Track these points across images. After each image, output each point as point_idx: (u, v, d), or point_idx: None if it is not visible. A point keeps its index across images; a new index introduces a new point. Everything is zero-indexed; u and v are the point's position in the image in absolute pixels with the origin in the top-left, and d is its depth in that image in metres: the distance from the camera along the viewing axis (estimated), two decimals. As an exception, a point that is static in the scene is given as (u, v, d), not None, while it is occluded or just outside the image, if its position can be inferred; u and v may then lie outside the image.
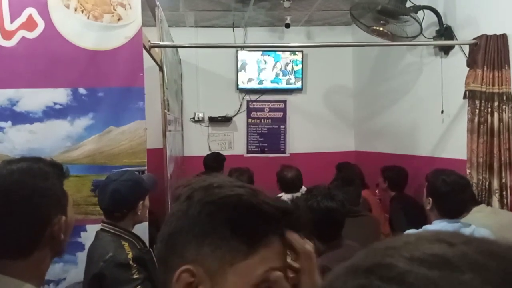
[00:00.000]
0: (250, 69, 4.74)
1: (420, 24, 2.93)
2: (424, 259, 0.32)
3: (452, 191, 1.86)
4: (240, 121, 4.89)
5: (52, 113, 2.15)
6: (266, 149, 4.92)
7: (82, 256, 1.97)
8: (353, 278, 0.33)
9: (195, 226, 0.60)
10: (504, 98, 2.41)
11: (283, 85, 4.82)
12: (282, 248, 0.63)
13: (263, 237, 0.60)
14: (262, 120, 4.93)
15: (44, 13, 2.12)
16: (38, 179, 0.97)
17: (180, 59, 4.52)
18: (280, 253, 0.62)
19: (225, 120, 4.79)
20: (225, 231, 0.59)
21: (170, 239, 0.62)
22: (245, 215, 0.60)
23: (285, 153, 4.93)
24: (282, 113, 4.94)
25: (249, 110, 4.89)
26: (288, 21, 4.30)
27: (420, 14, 3.01)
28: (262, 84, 4.78)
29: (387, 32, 3.00)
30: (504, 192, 2.39)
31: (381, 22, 2.97)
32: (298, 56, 4.77)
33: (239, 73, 4.72)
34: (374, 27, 3.00)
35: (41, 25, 2.12)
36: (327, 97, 4.98)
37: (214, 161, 3.94)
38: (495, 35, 2.46)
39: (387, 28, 2.97)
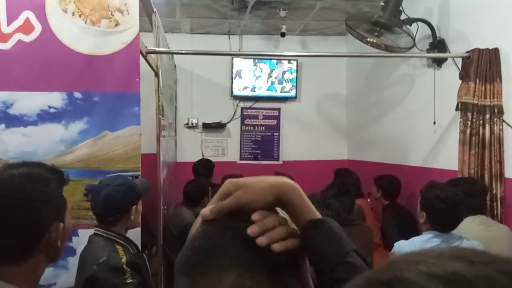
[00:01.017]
0: (245, 76, 4.76)
1: (413, 37, 2.97)
2: (443, 276, 0.31)
3: (446, 208, 1.86)
4: (234, 128, 4.90)
5: (46, 116, 2.14)
6: (259, 156, 4.93)
7: (73, 261, 1.95)
8: None
9: (241, 254, 0.58)
10: (496, 110, 2.45)
11: (277, 93, 4.85)
12: None
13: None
14: (256, 127, 4.95)
15: (42, 16, 2.12)
16: (39, 184, 0.97)
17: (175, 65, 4.53)
18: None
19: (219, 127, 4.80)
20: (265, 269, 0.57)
21: (208, 258, 0.59)
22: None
23: (278, 160, 4.95)
24: (276, 121, 4.97)
25: (243, 117, 4.90)
26: (283, 30, 4.34)
27: (414, 26, 3.06)
28: (256, 91, 4.81)
29: (380, 44, 3.05)
30: (495, 203, 2.42)
31: (375, 34, 3.01)
32: (293, 65, 4.80)
33: (234, 80, 4.73)
34: (368, 39, 3.04)
35: (38, 28, 2.12)
36: (321, 106, 5.01)
37: (204, 168, 3.94)
38: (487, 49, 2.51)
39: (381, 40, 3.02)
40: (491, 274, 0.30)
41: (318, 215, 0.68)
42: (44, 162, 1.08)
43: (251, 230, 0.59)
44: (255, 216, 0.61)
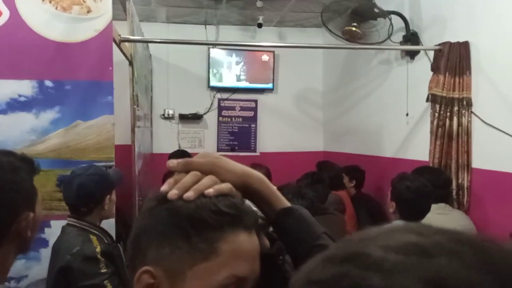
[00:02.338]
0: (221, 67, 4.74)
1: (388, 29, 3.02)
2: (400, 247, 0.32)
3: (415, 198, 1.92)
4: (211, 119, 4.88)
5: (16, 105, 2.09)
6: (236, 148, 4.93)
7: (45, 253, 1.92)
8: (329, 267, 0.33)
9: (156, 224, 0.58)
10: (464, 103, 2.52)
11: (254, 84, 4.85)
12: (248, 248, 0.59)
13: (219, 230, 0.57)
14: (233, 118, 4.94)
15: (9, 1, 2.06)
16: (8, 173, 0.95)
17: (150, 54, 4.47)
18: (244, 256, 0.59)
19: (196, 118, 4.77)
20: (186, 228, 0.57)
21: (136, 238, 0.61)
22: (202, 210, 0.58)
23: (256, 152, 4.96)
24: (253, 112, 4.97)
25: (220, 109, 4.88)
26: (260, 21, 4.33)
27: (387, 19, 3.11)
28: (233, 83, 4.79)
29: (358, 33, 3.07)
30: (461, 193, 2.51)
31: (353, 24, 3.05)
32: (270, 56, 4.81)
33: (211, 71, 4.71)
34: (346, 28, 3.06)
35: (5, 14, 2.06)
36: (298, 97, 5.04)
37: (180, 159, 3.90)
38: (458, 42, 2.57)
39: (359, 28, 3.05)
40: (443, 242, 0.32)
41: (287, 203, 0.69)
42: (21, 152, 1.06)
43: (169, 193, 0.59)
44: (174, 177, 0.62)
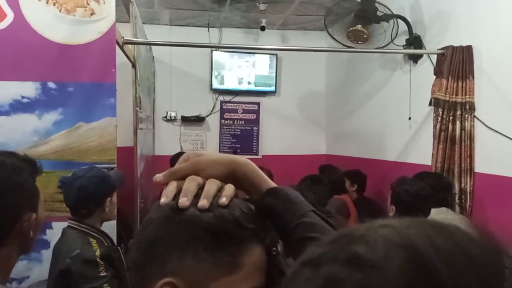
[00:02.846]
0: (224, 69, 4.74)
1: (392, 32, 3.02)
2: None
3: (414, 201, 1.94)
4: (213, 121, 4.88)
5: (19, 106, 2.10)
6: (238, 151, 4.92)
7: (47, 254, 1.92)
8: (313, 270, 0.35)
9: (176, 235, 0.57)
10: (467, 107, 2.51)
11: (257, 87, 4.85)
12: (263, 260, 0.61)
13: (241, 244, 0.58)
14: (235, 121, 4.94)
15: (14, 3, 2.07)
16: (11, 173, 0.95)
17: (153, 56, 4.48)
18: (261, 267, 0.60)
19: (198, 120, 4.77)
20: (208, 240, 0.56)
21: (150, 246, 0.59)
22: (224, 222, 0.57)
23: (258, 154, 4.96)
24: (255, 115, 4.97)
25: (222, 111, 4.89)
26: (263, 24, 4.34)
27: (390, 22, 3.11)
28: (236, 85, 4.80)
29: (364, 32, 3.05)
30: (463, 197, 2.50)
31: (358, 26, 3.04)
32: (273, 59, 4.81)
33: (213, 74, 4.71)
34: (352, 28, 3.05)
35: (10, 16, 2.07)
36: (300, 100, 5.04)
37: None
38: (461, 46, 2.57)
39: (366, 28, 3.04)
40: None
41: (273, 185, 0.68)
42: (23, 153, 1.06)
43: (179, 202, 0.58)
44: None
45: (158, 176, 0.65)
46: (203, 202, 0.58)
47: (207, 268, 0.56)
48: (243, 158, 0.69)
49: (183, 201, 0.58)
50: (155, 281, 0.57)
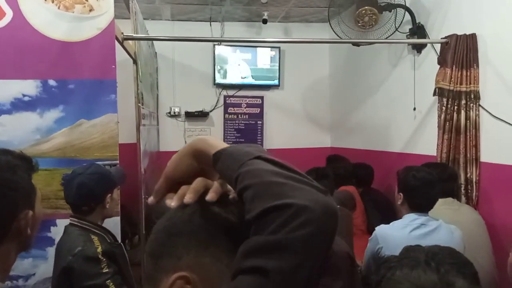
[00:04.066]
0: (227, 64, 4.73)
1: (394, 22, 2.98)
2: None
3: (422, 186, 1.94)
4: (217, 116, 4.87)
5: (20, 105, 2.10)
6: (243, 145, 4.91)
7: (52, 251, 1.93)
8: None
9: (197, 232, 0.59)
10: (472, 96, 2.48)
11: (260, 81, 4.83)
12: None
13: None
14: (239, 115, 4.93)
15: (13, 2, 2.07)
16: (6, 171, 0.95)
17: (156, 52, 4.47)
18: None
19: (202, 115, 4.77)
20: (228, 244, 0.58)
21: (169, 239, 0.60)
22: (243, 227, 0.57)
23: (262, 148, 4.94)
24: (259, 109, 4.95)
25: (226, 106, 4.87)
26: (265, 17, 4.31)
27: (393, 12, 3.07)
28: (239, 79, 4.78)
29: (374, 12, 2.98)
30: (469, 187, 2.47)
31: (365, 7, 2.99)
32: (276, 52, 4.78)
33: (216, 68, 4.70)
34: (360, 9, 2.99)
35: (9, 14, 2.06)
36: (304, 93, 5.01)
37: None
38: (464, 34, 2.52)
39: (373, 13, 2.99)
40: None
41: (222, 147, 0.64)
42: (19, 151, 1.06)
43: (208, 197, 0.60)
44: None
45: (150, 200, 0.66)
46: (211, 195, 0.60)
47: (222, 268, 0.57)
48: (198, 137, 0.67)
49: (188, 198, 0.60)
50: (169, 273, 0.58)
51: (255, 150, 0.61)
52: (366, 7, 2.98)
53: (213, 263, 0.58)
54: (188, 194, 0.60)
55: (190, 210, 0.61)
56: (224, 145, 0.63)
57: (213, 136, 0.69)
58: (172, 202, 0.61)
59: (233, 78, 4.77)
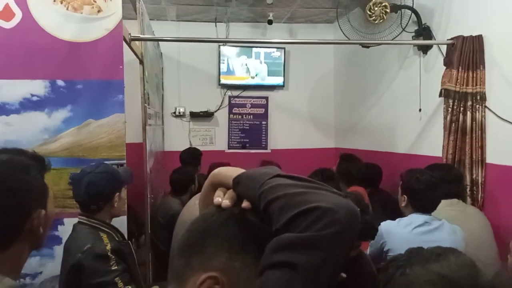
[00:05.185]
0: (232, 64, 4.74)
1: (400, 22, 2.98)
2: None
3: (425, 189, 1.98)
4: (222, 116, 4.88)
5: (29, 105, 2.12)
6: (247, 145, 4.93)
7: (59, 250, 1.94)
8: None
9: (232, 237, 0.61)
10: (478, 97, 2.48)
11: (265, 81, 4.84)
12: None
13: None
14: (244, 116, 4.94)
15: (22, 2, 2.08)
16: (19, 171, 0.96)
17: (161, 53, 4.49)
18: None
19: (207, 116, 4.78)
20: (258, 253, 0.59)
21: (203, 239, 0.63)
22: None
23: (267, 149, 4.96)
24: (263, 109, 4.96)
25: (230, 106, 4.89)
26: (270, 18, 4.32)
27: (399, 13, 3.07)
28: (244, 80, 4.79)
29: (383, 9, 2.97)
30: (475, 188, 2.47)
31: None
32: (281, 53, 4.79)
33: (221, 68, 4.71)
34: (370, 3, 2.98)
35: (18, 15, 2.08)
36: (309, 94, 5.02)
37: (191, 157, 3.93)
38: (471, 36, 2.52)
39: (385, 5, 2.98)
40: None
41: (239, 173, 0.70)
42: (32, 151, 1.07)
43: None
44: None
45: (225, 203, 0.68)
46: (245, 204, 0.65)
47: (250, 275, 0.59)
48: (214, 171, 0.73)
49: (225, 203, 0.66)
50: (199, 271, 0.60)
51: (272, 170, 0.66)
52: (374, 5, 2.98)
53: (242, 268, 0.60)
54: (225, 200, 0.65)
55: (226, 215, 0.64)
56: (240, 170, 0.70)
57: (226, 168, 0.73)
58: (225, 200, 0.66)
59: (238, 78, 4.78)
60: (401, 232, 1.93)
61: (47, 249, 2.07)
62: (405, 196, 2.06)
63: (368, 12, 3.02)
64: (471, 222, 2.18)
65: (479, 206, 2.45)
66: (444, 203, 2.05)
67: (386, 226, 2.01)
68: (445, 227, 1.95)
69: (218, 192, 0.69)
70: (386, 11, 3.00)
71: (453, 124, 2.53)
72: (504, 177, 2.37)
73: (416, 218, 1.97)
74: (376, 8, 3.00)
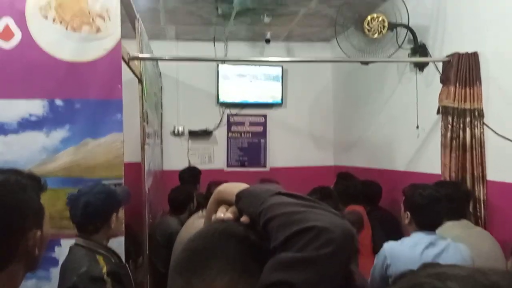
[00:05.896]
0: (230, 83, 4.76)
1: (396, 40, 3.01)
2: None
3: (429, 204, 1.92)
4: (221, 135, 4.89)
5: (27, 124, 2.11)
6: (246, 163, 4.92)
7: (56, 272, 1.91)
8: None
9: (235, 260, 0.61)
10: (476, 114, 2.48)
11: (263, 99, 4.86)
12: None
13: None
14: (243, 134, 4.94)
15: (22, 23, 2.10)
16: (15, 191, 0.95)
17: (160, 72, 4.52)
18: None
19: (205, 134, 4.79)
20: (260, 273, 0.59)
21: (205, 260, 0.62)
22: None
23: (265, 167, 4.94)
24: (262, 127, 4.97)
25: (229, 124, 4.90)
26: (268, 37, 4.37)
27: (395, 31, 3.11)
28: (242, 98, 4.81)
29: (380, 19, 3.01)
30: (477, 206, 2.44)
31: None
32: (278, 71, 4.82)
33: (220, 87, 4.73)
34: (368, 17, 3.01)
35: (18, 35, 2.10)
36: (307, 112, 5.04)
37: (190, 175, 3.92)
38: (466, 53, 2.55)
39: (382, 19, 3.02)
40: None
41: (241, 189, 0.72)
42: (28, 171, 1.06)
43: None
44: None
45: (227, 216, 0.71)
46: (244, 218, 0.68)
47: None
48: (216, 189, 0.76)
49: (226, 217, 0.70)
50: None
51: (273, 188, 0.68)
52: (375, 14, 3.02)
53: None
54: (227, 214, 0.68)
55: (227, 234, 0.63)
56: (244, 185, 0.72)
57: (230, 184, 0.75)
58: (228, 214, 0.69)
59: (236, 96, 4.80)
60: (408, 255, 1.85)
61: (43, 271, 2.03)
62: (408, 213, 1.98)
63: (367, 27, 3.05)
64: (481, 243, 2.12)
65: (482, 225, 2.41)
66: (451, 224, 2.00)
67: (390, 248, 1.94)
68: (451, 248, 1.88)
69: (221, 208, 0.71)
70: (384, 25, 3.04)
71: (454, 140, 2.52)
72: (505, 194, 2.35)
73: (421, 239, 1.90)
74: (374, 23, 3.03)
